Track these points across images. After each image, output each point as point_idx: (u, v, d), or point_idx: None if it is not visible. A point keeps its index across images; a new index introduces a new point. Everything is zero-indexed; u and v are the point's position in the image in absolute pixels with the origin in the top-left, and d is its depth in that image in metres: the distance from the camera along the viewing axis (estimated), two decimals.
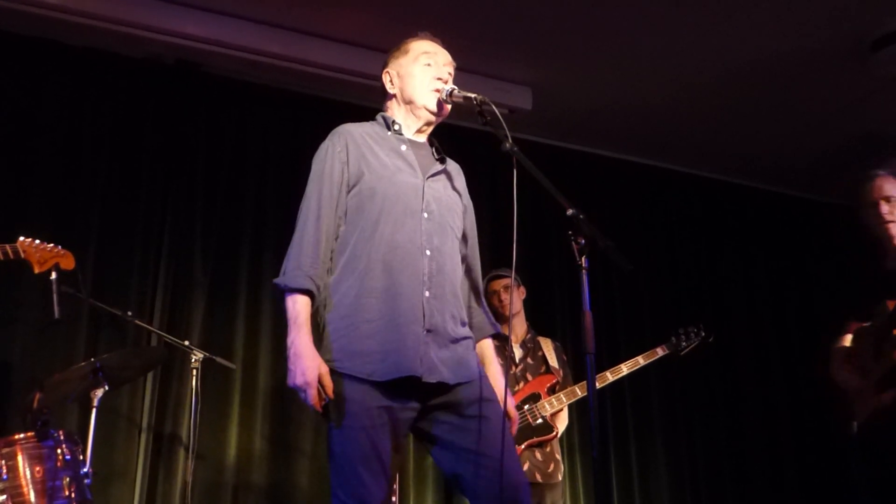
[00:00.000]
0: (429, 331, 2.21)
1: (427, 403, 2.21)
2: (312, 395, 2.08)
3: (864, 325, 3.48)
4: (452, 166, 2.51)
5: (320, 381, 2.10)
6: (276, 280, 2.25)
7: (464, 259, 2.44)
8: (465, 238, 2.45)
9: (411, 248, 2.25)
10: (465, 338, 2.33)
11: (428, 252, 2.26)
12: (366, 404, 2.12)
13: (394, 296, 2.20)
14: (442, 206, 2.35)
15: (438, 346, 2.22)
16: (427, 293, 2.23)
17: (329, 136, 2.40)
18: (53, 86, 4.22)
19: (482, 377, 2.29)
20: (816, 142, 5.66)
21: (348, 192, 2.31)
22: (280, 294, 2.23)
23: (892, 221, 3.36)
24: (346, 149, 2.34)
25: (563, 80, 4.86)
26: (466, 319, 2.38)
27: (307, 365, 2.10)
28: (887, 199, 3.37)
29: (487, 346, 2.46)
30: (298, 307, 2.18)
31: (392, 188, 2.29)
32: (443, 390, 2.21)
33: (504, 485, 2.14)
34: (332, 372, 2.15)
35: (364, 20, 4.28)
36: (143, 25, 4.09)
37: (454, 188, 2.44)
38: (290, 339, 2.15)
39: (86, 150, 4.22)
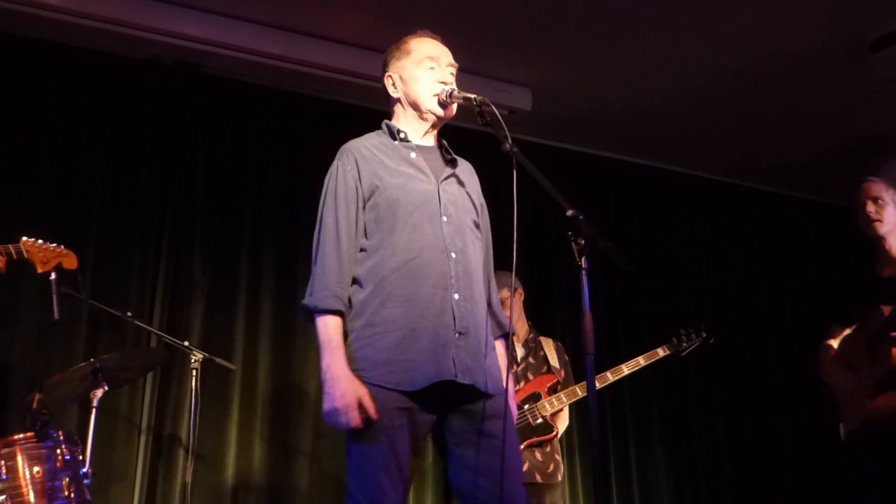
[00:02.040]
0: (461, 333, 2.19)
1: (448, 409, 2.20)
2: (354, 418, 2.06)
3: (853, 328, 3.50)
4: (464, 166, 2.50)
5: (360, 403, 2.08)
6: (305, 302, 2.23)
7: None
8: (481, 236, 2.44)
9: (435, 252, 2.24)
10: (493, 348, 2.33)
11: (453, 254, 2.26)
12: (386, 405, 2.11)
13: (419, 303, 2.19)
14: (459, 208, 2.35)
15: (471, 349, 2.21)
16: (456, 296, 2.22)
17: (337, 156, 2.39)
18: (53, 87, 4.22)
19: (504, 393, 2.26)
20: (815, 142, 5.66)
21: (364, 207, 2.30)
22: (309, 315, 2.21)
23: (878, 220, 3.43)
24: (356, 166, 2.33)
25: (562, 81, 4.87)
26: (490, 323, 2.38)
27: (346, 388, 2.08)
28: (874, 200, 3.45)
29: (497, 347, 2.45)
30: (331, 330, 2.17)
31: (407, 196, 2.28)
32: (466, 398, 2.19)
33: None
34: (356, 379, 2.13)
35: (363, 21, 4.28)
36: (143, 26, 4.09)
37: (468, 189, 2.44)
38: (325, 364, 2.13)
39: (85, 151, 4.22)
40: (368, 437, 2.09)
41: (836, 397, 3.50)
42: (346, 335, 2.23)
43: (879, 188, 3.47)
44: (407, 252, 2.23)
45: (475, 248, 2.36)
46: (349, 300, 2.26)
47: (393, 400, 2.11)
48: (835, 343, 3.56)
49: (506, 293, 3.91)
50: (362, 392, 2.09)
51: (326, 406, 2.09)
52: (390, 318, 2.18)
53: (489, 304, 2.44)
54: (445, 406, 2.19)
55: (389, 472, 2.08)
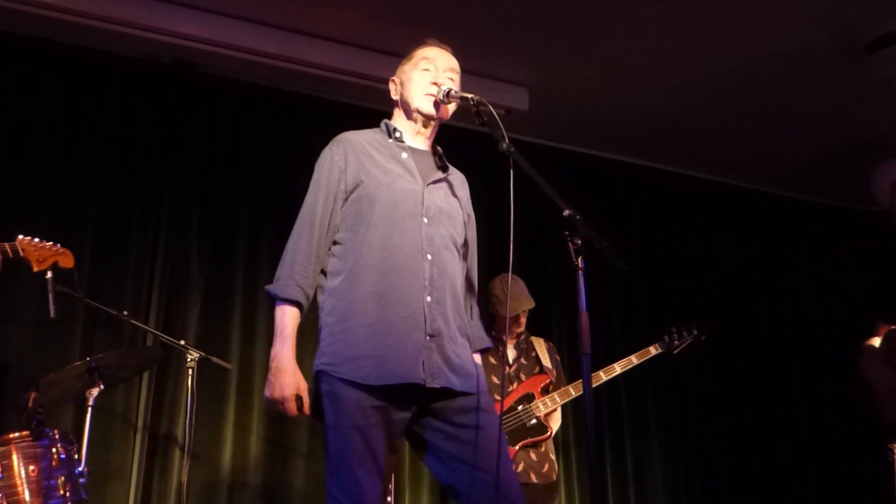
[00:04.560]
0: (431, 336, 2.20)
1: (423, 408, 2.21)
2: (291, 409, 2.13)
3: None
4: (456, 176, 2.52)
5: (298, 397, 2.14)
6: (268, 287, 2.26)
7: (463, 268, 2.43)
8: (465, 247, 2.45)
9: (411, 252, 2.25)
10: (466, 347, 2.33)
11: (429, 256, 2.27)
12: (360, 403, 2.13)
13: (391, 301, 2.20)
14: (442, 212, 2.36)
15: (443, 350, 2.21)
16: (428, 298, 2.23)
17: (329, 144, 2.42)
18: (49, 85, 4.21)
19: (483, 389, 2.27)
20: (811, 143, 5.67)
21: (346, 198, 2.33)
22: (270, 301, 2.25)
23: None
24: (344, 157, 2.36)
25: (559, 81, 4.87)
26: (466, 326, 2.38)
27: (287, 381, 2.14)
28: None
29: (476, 360, 2.45)
30: (286, 319, 2.21)
31: (391, 194, 2.30)
32: (441, 396, 2.20)
33: (500, 498, 2.13)
34: (327, 374, 2.16)
35: (360, 20, 4.27)
36: (140, 25, 4.09)
37: (456, 196, 2.45)
38: (274, 351, 2.18)
39: (81, 150, 4.21)
40: (345, 436, 2.12)
41: (877, 392, 3.52)
42: (319, 329, 2.27)
43: None
44: (383, 249, 2.24)
45: (454, 253, 2.37)
46: (324, 292, 2.29)
47: (367, 399, 2.13)
48: (877, 342, 3.58)
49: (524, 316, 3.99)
50: (302, 387, 2.16)
51: (267, 393, 2.16)
52: (361, 313, 2.20)
53: (470, 315, 2.44)
54: (420, 405, 2.21)
55: (366, 468, 2.11)
